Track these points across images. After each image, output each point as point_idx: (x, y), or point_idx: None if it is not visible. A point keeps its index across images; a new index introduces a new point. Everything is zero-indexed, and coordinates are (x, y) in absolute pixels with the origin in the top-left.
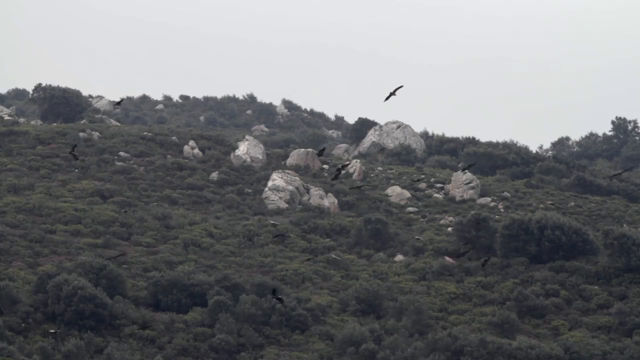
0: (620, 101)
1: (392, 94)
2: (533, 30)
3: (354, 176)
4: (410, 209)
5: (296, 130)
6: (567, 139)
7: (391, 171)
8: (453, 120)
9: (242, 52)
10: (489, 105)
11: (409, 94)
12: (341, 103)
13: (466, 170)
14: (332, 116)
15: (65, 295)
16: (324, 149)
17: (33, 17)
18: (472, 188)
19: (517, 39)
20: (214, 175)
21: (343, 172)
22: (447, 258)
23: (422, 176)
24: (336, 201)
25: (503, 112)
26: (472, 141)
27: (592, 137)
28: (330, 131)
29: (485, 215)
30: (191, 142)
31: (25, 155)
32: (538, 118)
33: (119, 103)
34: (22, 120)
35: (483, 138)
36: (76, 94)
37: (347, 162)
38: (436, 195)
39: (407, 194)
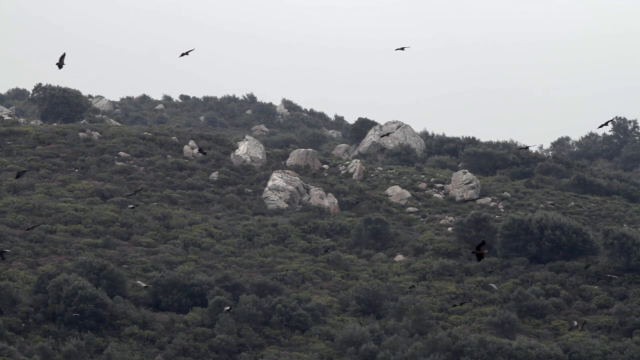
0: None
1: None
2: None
3: (354, 176)
4: (411, 209)
5: (296, 130)
6: (567, 139)
7: (391, 171)
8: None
9: (243, 51)
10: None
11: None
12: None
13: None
14: (332, 116)
15: (66, 295)
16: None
17: (33, 16)
18: (472, 188)
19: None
20: (214, 175)
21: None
22: None
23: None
24: (336, 201)
25: (503, 112)
26: (472, 141)
27: (592, 137)
28: (330, 131)
29: (485, 215)
30: (191, 142)
31: (25, 155)
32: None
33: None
34: (22, 120)
35: (483, 138)
36: (76, 94)
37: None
38: (436, 195)
39: (407, 194)
